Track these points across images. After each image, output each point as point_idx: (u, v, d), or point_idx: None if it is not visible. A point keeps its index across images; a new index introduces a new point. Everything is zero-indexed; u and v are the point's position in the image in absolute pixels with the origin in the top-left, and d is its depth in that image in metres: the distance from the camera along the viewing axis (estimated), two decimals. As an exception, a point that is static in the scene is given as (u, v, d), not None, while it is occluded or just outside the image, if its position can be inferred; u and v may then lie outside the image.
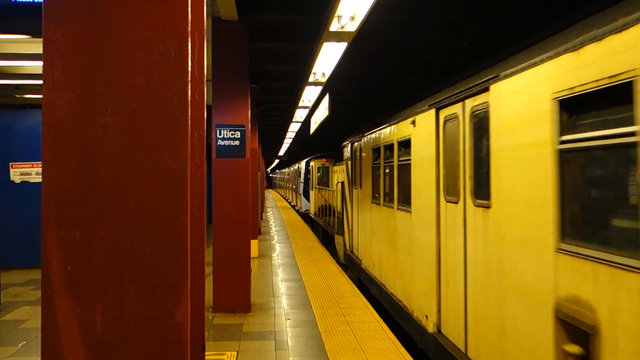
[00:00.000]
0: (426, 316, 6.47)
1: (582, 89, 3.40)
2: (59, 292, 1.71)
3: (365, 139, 10.74)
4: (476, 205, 5.08)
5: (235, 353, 6.19)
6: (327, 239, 19.11)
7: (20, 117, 11.85)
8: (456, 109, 5.61)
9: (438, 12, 8.43)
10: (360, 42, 8.84)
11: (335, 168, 23.31)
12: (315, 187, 25.00)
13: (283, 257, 13.61)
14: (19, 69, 9.62)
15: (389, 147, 8.67)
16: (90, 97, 1.73)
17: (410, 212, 7.17)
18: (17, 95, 11.41)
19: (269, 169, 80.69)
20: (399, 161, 7.93)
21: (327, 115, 13.01)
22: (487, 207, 4.79)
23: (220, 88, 8.04)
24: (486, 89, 4.86)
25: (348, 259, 13.08)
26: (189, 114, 1.78)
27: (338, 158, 22.98)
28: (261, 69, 11.85)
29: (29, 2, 6.15)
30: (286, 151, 40.60)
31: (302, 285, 10.00)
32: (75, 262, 1.72)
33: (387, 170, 8.80)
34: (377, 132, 9.51)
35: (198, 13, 2.01)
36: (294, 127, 21.64)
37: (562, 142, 3.60)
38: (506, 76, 4.46)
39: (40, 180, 1.75)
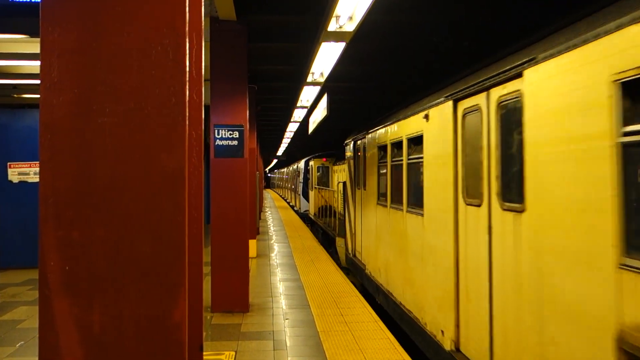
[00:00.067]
0: (442, 331, 5.82)
1: None
2: (56, 292, 1.70)
3: (370, 136, 10.00)
4: (505, 209, 4.44)
5: (234, 353, 6.19)
6: (327, 241, 18.49)
7: (18, 117, 11.83)
8: (478, 99, 5.00)
9: (439, 12, 8.42)
10: (359, 42, 8.84)
11: (336, 168, 22.71)
12: (315, 188, 24.43)
13: (281, 256, 13.61)
14: (16, 69, 9.60)
15: (397, 145, 8.02)
16: (87, 97, 1.72)
17: (422, 215, 6.57)
18: (15, 95, 11.40)
19: (267, 169, 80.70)
20: (409, 159, 7.30)
21: (326, 115, 13.02)
22: (520, 211, 4.16)
23: (219, 88, 8.04)
24: (518, 75, 4.24)
25: (350, 264, 12.42)
26: (187, 114, 1.77)
27: (338, 157, 22.47)
28: (259, 68, 11.85)
29: (26, 1, 6.15)
30: (284, 151, 40.59)
31: (300, 285, 10.00)
32: (72, 262, 1.71)
33: (395, 170, 8.15)
34: (384, 129, 8.85)
35: (196, 13, 2.01)
36: (292, 127, 21.64)
37: (626, 134, 3.02)
38: (547, 58, 3.81)
39: (38, 180, 1.74)
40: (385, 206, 8.63)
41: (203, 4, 2.11)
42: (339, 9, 6.28)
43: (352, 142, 12.14)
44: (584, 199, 3.35)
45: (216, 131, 7.91)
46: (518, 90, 4.27)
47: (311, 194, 25.83)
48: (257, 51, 10.36)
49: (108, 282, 1.73)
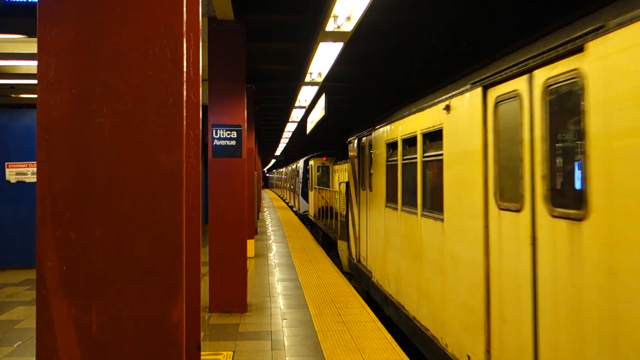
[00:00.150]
0: (468, 357, 5.09)
1: None
2: (54, 293, 1.70)
3: (378, 132, 9.15)
4: (555, 216, 3.67)
5: (232, 353, 6.19)
6: (328, 244, 17.78)
7: (16, 117, 11.82)
8: (517, 84, 4.25)
9: (437, 12, 8.42)
10: (357, 42, 8.84)
11: (336, 167, 22.08)
12: (315, 188, 23.50)
13: (279, 256, 13.61)
14: (14, 69, 9.59)
15: (410, 141, 7.24)
16: (85, 97, 1.72)
17: (441, 219, 5.81)
18: (13, 95, 11.38)
19: (265, 169, 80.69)
20: (424, 157, 6.51)
21: (324, 115, 13.01)
22: (579, 219, 3.40)
23: (217, 88, 8.03)
24: (576, 50, 3.47)
25: (354, 270, 11.60)
26: (185, 114, 1.78)
27: (339, 157, 21.88)
28: (257, 68, 11.85)
29: (24, 1, 6.13)
30: (283, 151, 40.59)
31: (298, 285, 10.00)
32: (70, 262, 1.71)
33: (407, 169, 7.35)
34: (394, 124, 8.07)
35: (193, 13, 2.01)
36: (290, 127, 21.64)
37: None
38: (623, 24, 3.03)
39: (35, 180, 1.74)
40: (395, 209, 7.83)
41: (200, 4, 2.11)
42: (336, 9, 6.28)
43: (357, 140, 11.33)
44: None
45: (214, 131, 7.91)
46: (575, 70, 3.50)
47: (311, 194, 24.92)
48: (255, 51, 10.36)
49: (106, 282, 1.73)
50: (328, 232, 17.54)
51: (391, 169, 8.25)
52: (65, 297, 1.71)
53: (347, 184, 12.75)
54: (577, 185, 3.57)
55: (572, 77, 3.54)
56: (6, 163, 11.64)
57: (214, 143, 7.91)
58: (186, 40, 1.79)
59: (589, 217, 3.30)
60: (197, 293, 2.17)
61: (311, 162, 25.34)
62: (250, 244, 12.87)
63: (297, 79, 11.79)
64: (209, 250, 7.94)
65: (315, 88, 11.90)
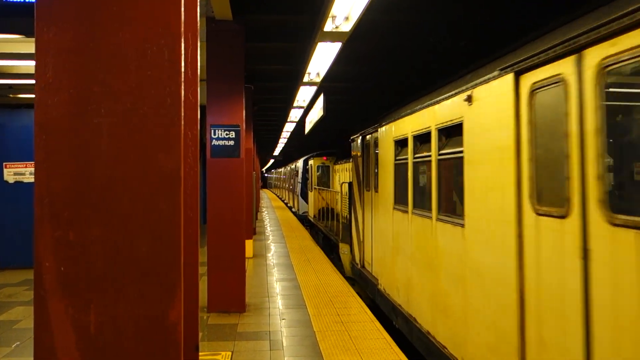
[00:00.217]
0: None
1: None
2: (52, 293, 1.70)
3: (385, 129, 8.47)
4: (616, 224, 3.09)
5: (230, 353, 6.19)
6: (328, 246, 17.06)
7: (14, 117, 11.81)
8: (561, 67, 3.65)
9: (437, 12, 8.41)
10: (356, 42, 8.84)
11: (337, 167, 21.36)
12: (315, 188, 22.72)
13: (278, 256, 13.60)
14: (12, 69, 9.58)
15: (422, 137, 6.60)
16: (83, 97, 1.72)
17: (461, 225, 5.19)
18: (11, 95, 11.37)
19: (264, 169, 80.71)
20: (440, 155, 5.90)
21: (322, 116, 13.02)
22: None
23: (215, 88, 8.03)
24: None
25: (358, 276, 10.90)
26: (182, 114, 1.78)
27: (339, 156, 21.32)
28: (256, 68, 11.85)
29: (22, 1, 6.13)
30: (281, 151, 40.59)
31: (296, 285, 10.00)
32: (68, 263, 1.71)
33: (419, 168, 6.80)
34: (403, 119, 7.40)
35: (191, 13, 2.01)
36: (288, 127, 21.64)
37: None
38: None
39: (33, 180, 1.74)
40: (405, 212, 7.16)
41: (199, 4, 2.11)
42: (335, 9, 6.29)
43: (361, 138, 10.60)
44: None
45: (212, 131, 7.91)
46: None
47: (310, 195, 24.01)
48: (254, 51, 10.36)
49: (104, 283, 1.73)
50: (329, 234, 16.81)
51: (400, 169, 7.62)
52: (63, 298, 1.71)
53: (350, 184, 12.17)
54: None
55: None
56: (4, 163, 11.63)
57: (212, 143, 7.91)
58: (184, 40, 1.79)
59: None
60: (195, 293, 2.17)
61: (311, 162, 24.43)
62: (249, 244, 12.87)
63: (295, 79, 11.79)
64: (208, 250, 7.94)
65: (314, 88, 11.91)
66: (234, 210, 7.94)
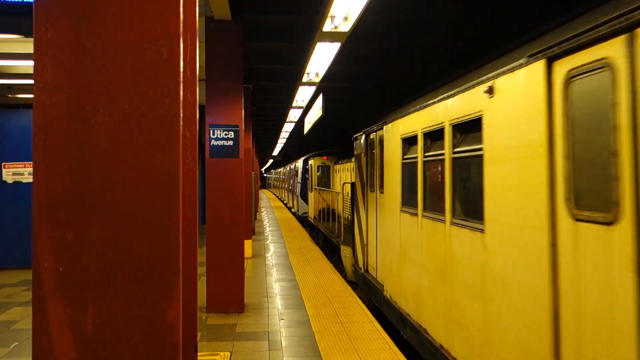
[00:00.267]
0: None
1: None
2: (50, 294, 1.70)
3: (391, 126, 7.97)
4: None
5: (229, 353, 6.19)
6: (329, 248, 16.55)
7: (12, 117, 11.81)
8: (606, 50, 3.20)
9: (437, 12, 8.41)
10: (355, 42, 8.85)
11: (338, 167, 20.72)
12: (315, 189, 22.14)
13: (277, 257, 13.60)
14: (11, 69, 9.58)
15: (434, 135, 6.14)
16: (81, 97, 1.72)
17: (481, 230, 4.70)
18: (10, 95, 11.37)
19: (263, 169, 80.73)
20: (455, 153, 5.42)
21: (321, 116, 13.02)
22: None
23: (214, 88, 8.03)
24: None
25: (361, 281, 10.38)
26: (181, 115, 1.77)
27: (340, 156, 20.85)
28: (255, 68, 11.86)
29: (21, 1, 6.12)
30: (280, 151, 40.58)
31: (295, 285, 10.00)
32: (67, 263, 1.71)
33: (431, 167, 6.29)
34: (412, 116, 6.88)
35: (190, 13, 2.01)
36: (287, 127, 21.65)
37: None
38: None
39: (32, 180, 1.74)
40: (415, 214, 6.68)
41: (197, 4, 2.11)
42: (334, 10, 6.29)
43: (364, 136, 10.08)
44: None
45: (211, 131, 7.91)
46: None
47: (310, 195, 23.35)
48: (253, 51, 10.36)
49: (102, 283, 1.72)
50: (330, 236, 16.26)
51: (408, 168, 7.12)
52: (61, 298, 1.71)
53: (353, 184, 11.67)
54: None
55: None
56: (3, 163, 11.63)
57: (211, 143, 7.91)
58: (183, 40, 1.79)
59: None
60: (194, 293, 2.17)
61: (311, 162, 23.65)
62: (248, 244, 12.87)
63: (294, 79, 11.79)
64: (206, 250, 7.94)
65: (313, 88, 11.91)
66: (233, 210, 7.94)
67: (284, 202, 40.08)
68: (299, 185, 26.99)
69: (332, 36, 7.21)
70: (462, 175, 5.40)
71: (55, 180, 1.71)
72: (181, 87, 1.77)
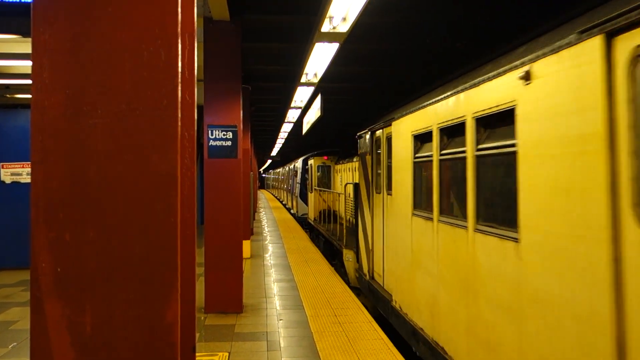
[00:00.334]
0: None
1: None
2: (48, 294, 1.70)
3: (401, 122, 7.30)
4: None
5: (227, 354, 6.18)
6: (330, 251, 15.97)
7: (10, 117, 11.80)
8: None
9: (437, 12, 8.41)
10: (354, 42, 8.84)
11: (338, 167, 20.06)
12: (315, 189, 21.42)
13: (275, 257, 13.60)
14: (9, 69, 9.57)
15: (452, 130, 5.55)
16: (79, 98, 1.72)
17: (514, 239, 4.06)
18: (8, 95, 11.36)
19: (261, 169, 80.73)
20: (479, 150, 4.78)
21: (320, 116, 13.03)
22: None
23: (212, 88, 8.03)
24: None
25: (366, 287, 9.66)
26: (179, 115, 1.77)
27: (341, 155, 20.38)
28: (253, 69, 11.86)
29: (19, 1, 6.12)
30: (279, 151, 40.59)
31: (294, 285, 10.00)
32: (64, 264, 1.71)
33: (449, 166, 5.66)
34: (426, 110, 6.24)
35: (188, 14, 2.01)
36: (286, 128, 21.66)
37: None
38: None
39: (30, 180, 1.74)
40: (429, 219, 6.02)
41: (195, 5, 2.11)
42: (332, 10, 6.29)
43: (369, 134, 9.43)
44: None
45: (210, 132, 7.91)
46: None
47: (310, 196, 22.61)
48: (251, 51, 10.36)
49: (100, 284, 1.72)
50: (331, 238, 15.52)
51: (421, 168, 6.54)
52: (59, 299, 1.70)
53: (356, 185, 11.08)
54: None
55: None
56: (1, 164, 11.62)
57: (210, 143, 7.91)
58: (181, 41, 1.79)
59: None
60: (192, 294, 2.17)
61: (311, 162, 22.73)
62: (246, 244, 12.87)
63: (293, 80, 11.80)
64: (205, 251, 7.94)
65: (311, 89, 11.92)
66: (231, 210, 7.94)
67: (283, 202, 39.74)
68: (298, 186, 26.41)
69: (330, 37, 7.22)
70: (488, 175, 4.73)
71: (53, 180, 1.71)
72: (179, 88, 1.77)
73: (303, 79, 10.66)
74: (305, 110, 15.94)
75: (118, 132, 1.73)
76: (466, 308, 4.99)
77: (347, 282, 11.25)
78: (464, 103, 5.08)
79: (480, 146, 4.78)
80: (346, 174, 17.47)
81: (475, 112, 4.83)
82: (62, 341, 1.70)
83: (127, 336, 1.73)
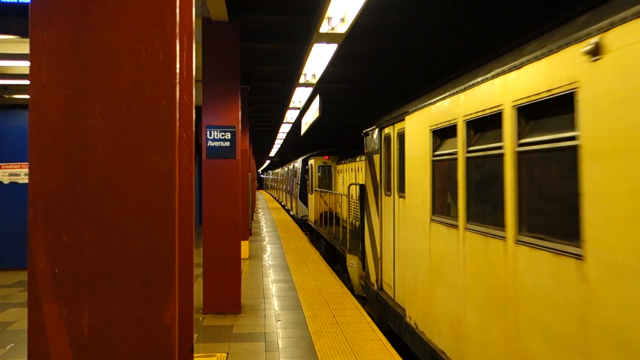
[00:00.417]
0: None
1: None
2: (45, 295, 1.70)
3: (416, 116, 6.58)
4: None
5: (225, 355, 6.18)
6: (332, 255, 15.34)
7: (8, 118, 11.78)
8: None
9: (437, 12, 8.41)
10: (352, 43, 8.85)
11: (340, 167, 19.48)
12: (316, 190, 20.70)
13: (274, 258, 13.60)
14: (7, 69, 9.56)
15: (484, 122, 4.78)
16: (77, 98, 1.72)
17: (579, 256, 3.22)
18: (6, 96, 11.35)
19: (260, 170, 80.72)
20: (522, 145, 3.99)
21: (318, 117, 13.03)
22: None
23: (211, 89, 8.03)
24: None
25: (374, 298, 8.92)
26: (177, 116, 1.77)
27: (342, 155, 19.79)
28: (252, 69, 11.87)
29: (17, 2, 6.11)
30: (277, 152, 40.57)
31: (292, 286, 9.99)
32: (62, 264, 1.71)
33: (480, 165, 4.88)
34: (448, 101, 5.50)
35: (187, 14, 2.01)
36: (285, 128, 21.63)
37: None
38: None
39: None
40: (453, 226, 5.28)
41: (194, 5, 2.11)
42: (330, 11, 6.29)
43: (377, 131, 8.69)
44: None
45: (208, 132, 7.91)
46: None
47: (311, 197, 21.85)
48: (250, 52, 10.37)
49: (98, 284, 1.72)
50: (333, 242, 14.82)
51: (442, 167, 5.79)
52: (57, 299, 1.70)
53: (362, 187, 10.37)
54: None
55: None
56: (-1, 164, 11.61)
57: (208, 144, 7.91)
58: (179, 41, 1.79)
59: None
60: (190, 294, 2.17)
61: (311, 162, 21.84)
62: (245, 245, 12.87)
63: (291, 80, 11.80)
64: (203, 251, 7.93)
65: (310, 89, 11.92)
66: (229, 211, 7.94)
67: (282, 203, 39.24)
68: (297, 187, 25.62)
69: (329, 37, 7.22)
70: (534, 176, 3.97)
71: (51, 181, 1.71)
72: (177, 89, 1.77)
73: (301, 80, 10.66)
74: (303, 110, 15.94)
75: (116, 132, 1.73)
76: (503, 334, 4.20)
77: (351, 289, 10.73)
78: (500, 90, 4.33)
79: (523, 141, 3.99)
80: (348, 175, 17.07)
81: (516, 100, 4.06)
82: (59, 342, 1.70)
83: (125, 337, 1.72)
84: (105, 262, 1.72)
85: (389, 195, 8.02)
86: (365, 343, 6.51)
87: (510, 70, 4.18)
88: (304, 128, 17.64)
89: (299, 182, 25.32)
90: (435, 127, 5.85)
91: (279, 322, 7.55)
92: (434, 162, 5.93)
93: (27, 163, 1.74)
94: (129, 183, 1.73)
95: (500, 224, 4.30)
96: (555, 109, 3.65)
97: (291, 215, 28.53)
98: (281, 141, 29.20)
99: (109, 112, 1.73)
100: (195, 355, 2.26)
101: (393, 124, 7.84)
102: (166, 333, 1.74)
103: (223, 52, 8.03)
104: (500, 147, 4.32)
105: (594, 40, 3.16)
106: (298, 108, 15.09)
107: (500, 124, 4.30)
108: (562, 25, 3.71)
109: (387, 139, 8.25)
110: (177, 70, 1.77)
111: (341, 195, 15.84)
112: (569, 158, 3.39)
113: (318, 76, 10.35)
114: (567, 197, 3.46)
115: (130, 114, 1.73)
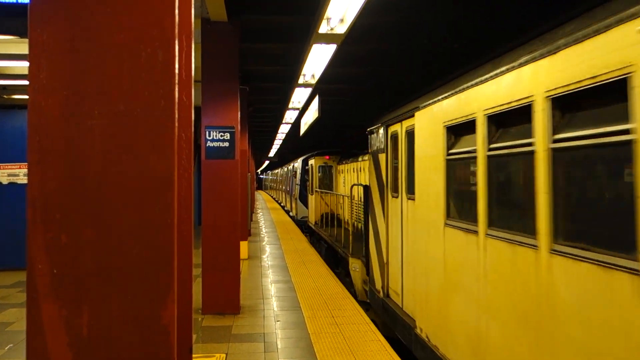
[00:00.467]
0: None
1: None
2: (44, 295, 1.69)
3: (427, 112, 6.10)
4: None
5: (224, 355, 6.18)
6: (333, 258, 14.87)
7: (8, 118, 11.77)
8: None
9: (437, 12, 8.40)
10: (352, 43, 8.84)
11: (341, 167, 19.14)
12: (317, 191, 20.14)
13: (273, 258, 13.59)
14: (6, 70, 9.55)
15: (508, 117, 4.28)
16: (76, 99, 1.72)
17: (635, 271, 2.74)
18: (5, 96, 11.34)
19: (259, 170, 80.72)
20: (556, 142, 3.49)
21: (317, 117, 13.03)
22: None
23: (210, 89, 8.03)
24: None
25: (380, 306, 8.42)
26: (176, 116, 1.77)
27: (343, 155, 19.43)
28: (251, 69, 11.86)
29: (16, 2, 6.11)
30: (276, 152, 40.57)
31: (291, 286, 9.99)
32: (61, 265, 1.71)
33: (501, 164, 4.43)
34: (465, 93, 5.01)
35: (186, 14, 2.01)
36: (284, 129, 21.64)
37: None
38: None
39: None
40: (473, 232, 4.79)
41: (193, 6, 2.11)
42: (329, 11, 6.30)
43: (384, 128, 8.17)
44: None
45: (207, 132, 7.91)
46: None
47: (311, 198, 21.31)
48: (249, 52, 10.37)
49: (97, 285, 1.72)
50: (334, 245, 14.32)
51: (458, 167, 5.34)
52: (56, 300, 1.70)
53: (366, 188, 9.86)
54: None
55: None
56: (-2, 164, 11.60)
57: (207, 144, 7.91)
58: (178, 42, 1.79)
59: None
60: (189, 295, 2.17)
61: (311, 162, 21.32)
62: (244, 245, 12.86)
63: (290, 81, 11.80)
64: (202, 252, 7.93)
65: (309, 90, 11.92)
66: (228, 211, 7.94)
67: (281, 204, 38.87)
68: (297, 188, 25.26)
69: (328, 38, 7.22)
70: (573, 175, 3.51)
71: (50, 181, 1.71)
72: (176, 89, 1.77)
73: (301, 80, 10.67)
74: (303, 111, 15.94)
75: (115, 133, 1.73)
76: (536, 353, 3.69)
77: (353, 294, 10.38)
78: (530, 79, 3.83)
79: (558, 136, 3.49)
80: (350, 175, 16.69)
81: (549, 91, 3.57)
82: (58, 342, 1.70)
83: (124, 337, 1.72)
84: (104, 262, 1.72)
85: (397, 197, 7.54)
86: (365, 344, 6.51)
87: (542, 56, 3.65)
88: (303, 128, 17.63)
89: (299, 183, 25.00)
90: (450, 123, 5.36)
91: (278, 322, 7.55)
92: (448, 161, 5.46)
93: (26, 163, 1.74)
94: (128, 183, 1.73)
95: (529, 230, 3.81)
96: (601, 99, 3.15)
97: (291, 217, 28.18)
98: (280, 142, 29.20)
99: (108, 113, 1.73)
100: (194, 355, 2.26)
101: (401, 121, 7.31)
102: (165, 333, 1.74)
103: (222, 53, 8.03)
104: (530, 144, 3.80)
105: None
106: (297, 108, 15.09)
107: (530, 118, 3.80)
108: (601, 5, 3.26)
109: (394, 137, 7.73)
110: (176, 71, 1.77)
111: (343, 196, 15.55)
112: (620, 154, 2.91)
113: (317, 77, 10.36)
114: (617, 201, 3.02)
115: (130, 114, 1.73)
